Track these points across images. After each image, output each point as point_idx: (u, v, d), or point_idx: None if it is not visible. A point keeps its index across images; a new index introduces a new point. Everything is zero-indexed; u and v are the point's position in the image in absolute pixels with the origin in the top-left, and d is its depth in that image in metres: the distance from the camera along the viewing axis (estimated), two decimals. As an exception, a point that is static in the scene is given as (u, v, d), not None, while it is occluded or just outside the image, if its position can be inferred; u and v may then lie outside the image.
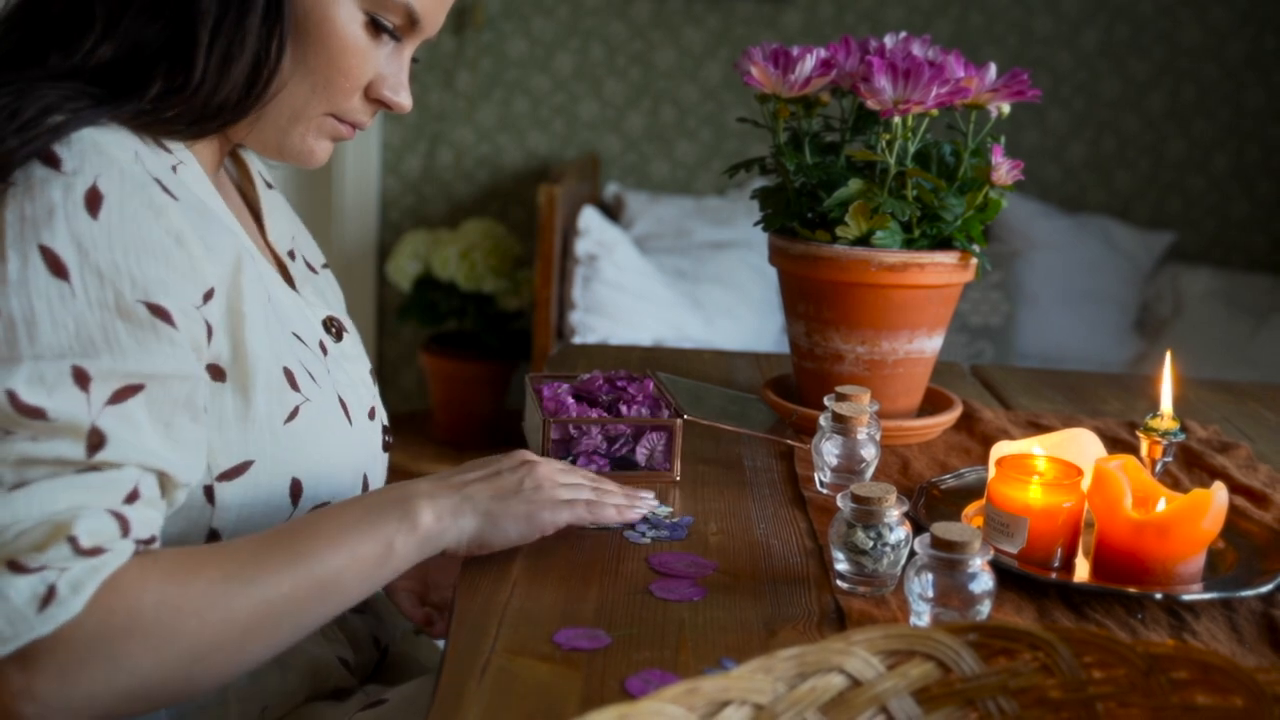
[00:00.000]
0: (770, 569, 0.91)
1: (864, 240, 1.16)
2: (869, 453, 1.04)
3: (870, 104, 1.14)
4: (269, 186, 1.09)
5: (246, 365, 0.87)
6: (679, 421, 1.07)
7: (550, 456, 1.06)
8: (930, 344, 1.22)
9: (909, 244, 1.17)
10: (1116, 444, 1.22)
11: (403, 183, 3.54)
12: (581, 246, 2.86)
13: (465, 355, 3.31)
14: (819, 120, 1.25)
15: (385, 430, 1.07)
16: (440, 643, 1.13)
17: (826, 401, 1.06)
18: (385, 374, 3.60)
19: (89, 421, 0.75)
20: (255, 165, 1.08)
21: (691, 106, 3.50)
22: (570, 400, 1.10)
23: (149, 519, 0.78)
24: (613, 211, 3.38)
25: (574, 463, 1.06)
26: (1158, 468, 1.04)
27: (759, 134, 3.25)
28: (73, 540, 0.73)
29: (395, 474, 1.08)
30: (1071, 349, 3.24)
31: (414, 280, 3.30)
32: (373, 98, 0.96)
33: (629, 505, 0.95)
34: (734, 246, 3.20)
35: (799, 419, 1.22)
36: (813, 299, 1.21)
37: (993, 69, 1.18)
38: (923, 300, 1.18)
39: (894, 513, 0.85)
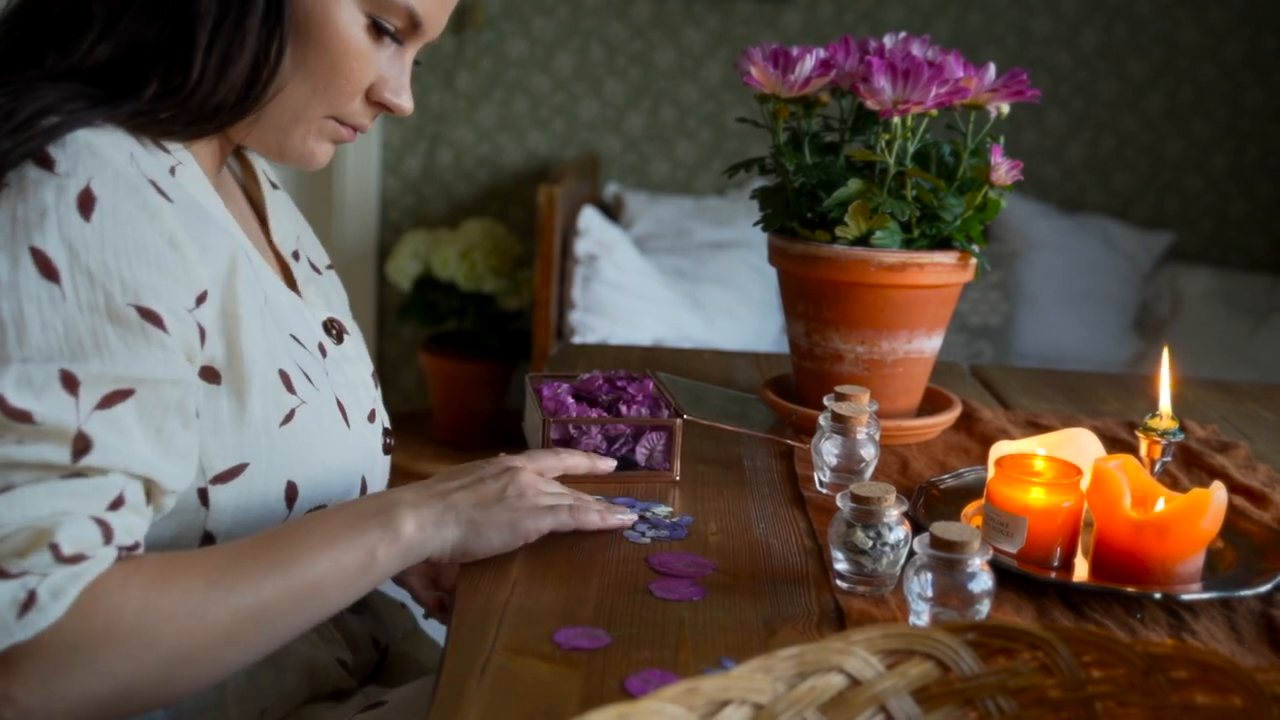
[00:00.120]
0: (770, 569, 0.91)
1: (863, 240, 1.17)
2: (868, 452, 1.04)
3: (870, 104, 1.14)
4: (274, 187, 1.08)
5: (242, 368, 0.86)
6: (679, 421, 1.07)
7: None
8: (929, 344, 1.22)
9: (908, 244, 1.17)
10: (1115, 444, 1.22)
11: (403, 183, 3.54)
12: (581, 246, 2.86)
13: (465, 355, 3.31)
14: (819, 120, 1.25)
15: (386, 433, 1.07)
16: (440, 642, 1.13)
17: (826, 401, 1.06)
18: (385, 374, 3.60)
19: (76, 426, 0.75)
20: (260, 165, 1.08)
21: (691, 106, 3.50)
22: (570, 400, 1.10)
23: (133, 525, 0.78)
24: (613, 211, 3.38)
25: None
26: (1157, 467, 1.04)
27: (759, 134, 3.25)
28: (54, 547, 0.72)
29: (395, 474, 1.08)
30: (1071, 349, 3.23)
31: (414, 280, 3.30)
32: (374, 100, 0.95)
33: (610, 512, 0.95)
34: (734, 246, 3.20)
35: (798, 419, 1.22)
36: (812, 299, 1.21)
37: (992, 69, 1.18)
38: (922, 300, 1.19)
39: (893, 512, 0.85)
